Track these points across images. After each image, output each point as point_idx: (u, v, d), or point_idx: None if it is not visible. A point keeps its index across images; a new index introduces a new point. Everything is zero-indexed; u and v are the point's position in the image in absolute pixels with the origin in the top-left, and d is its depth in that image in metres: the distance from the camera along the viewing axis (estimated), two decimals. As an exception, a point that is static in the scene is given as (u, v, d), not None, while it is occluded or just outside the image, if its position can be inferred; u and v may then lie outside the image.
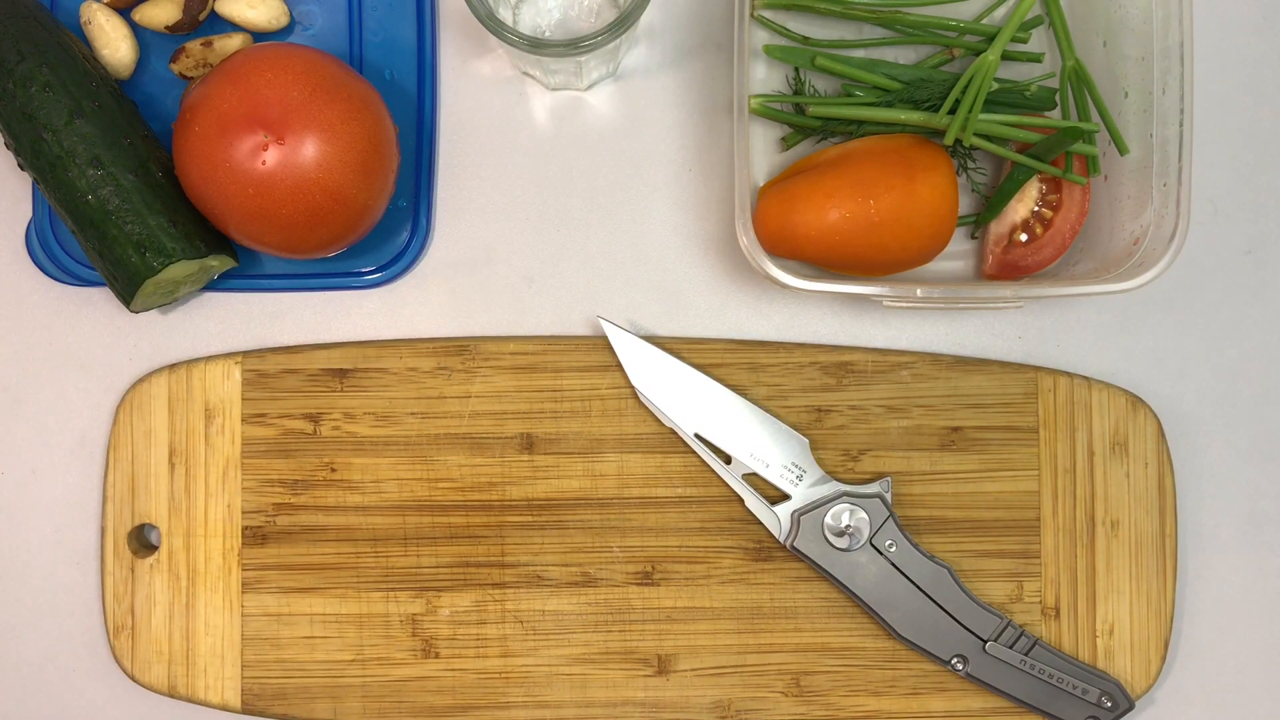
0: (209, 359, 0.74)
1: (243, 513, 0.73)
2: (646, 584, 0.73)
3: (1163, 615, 0.73)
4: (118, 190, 0.69)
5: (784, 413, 0.73)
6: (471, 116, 0.76)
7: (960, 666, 0.71)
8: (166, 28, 0.73)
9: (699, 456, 0.73)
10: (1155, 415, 0.73)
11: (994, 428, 0.73)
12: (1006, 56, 0.73)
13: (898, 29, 0.74)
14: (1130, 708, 0.71)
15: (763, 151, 0.75)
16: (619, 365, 0.73)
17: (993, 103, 0.71)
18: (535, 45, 0.67)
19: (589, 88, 0.75)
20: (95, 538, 0.75)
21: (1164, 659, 0.73)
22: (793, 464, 0.72)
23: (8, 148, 0.71)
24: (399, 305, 0.75)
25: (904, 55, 0.75)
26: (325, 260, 0.74)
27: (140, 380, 0.74)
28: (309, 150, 0.66)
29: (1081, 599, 0.73)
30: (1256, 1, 0.77)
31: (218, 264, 0.72)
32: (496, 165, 0.76)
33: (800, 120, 0.73)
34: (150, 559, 0.73)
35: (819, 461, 0.73)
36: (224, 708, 0.73)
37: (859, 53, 0.74)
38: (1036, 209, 0.73)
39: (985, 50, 0.70)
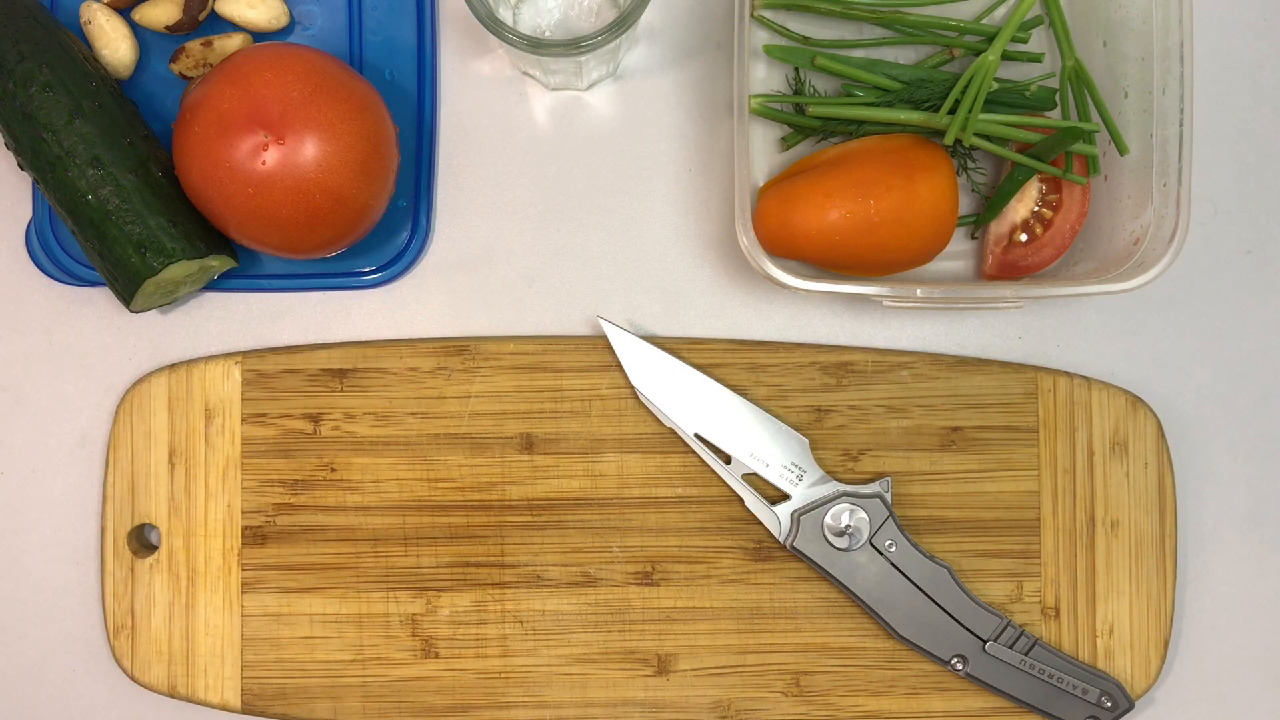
0: (209, 359, 0.74)
1: (243, 513, 0.73)
2: (646, 584, 0.73)
3: (1163, 615, 0.73)
4: (118, 190, 0.69)
5: (784, 413, 0.73)
6: (471, 116, 0.76)
7: (960, 666, 0.71)
8: (166, 28, 0.73)
9: (699, 456, 0.73)
10: (1155, 415, 0.73)
11: (994, 428, 0.73)
12: (1006, 56, 0.73)
13: (898, 29, 0.74)
14: (1130, 708, 0.71)
15: (763, 151, 0.75)
16: (619, 365, 0.73)
17: (993, 103, 0.71)
18: (535, 45, 0.67)
19: (589, 88, 0.75)
20: (95, 538, 0.75)
21: (1164, 659, 0.73)
22: (793, 464, 0.72)
23: (8, 148, 0.71)
24: (399, 305, 0.75)
25: (904, 55, 0.75)
26: (325, 260, 0.74)
27: (140, 380, 0.74)
28: (309, 150, 0.66)
29: (1081, 599, 0.73)
30: (1256, 1, 0.77)
31: (218, 264, 0.72)
32: (496, 165, 0.76)
33: (800, 120, 0.73)
34: (150, 559, 0.73)
35: (819, 461, 0.73)
36: (224, 708, 0.73)
37: (859, 53, 0.74)
38: (1036, 209, 0.73)
39: (985, 50, 0.70)
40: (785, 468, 0.72)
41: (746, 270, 0.75)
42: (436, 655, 0.73)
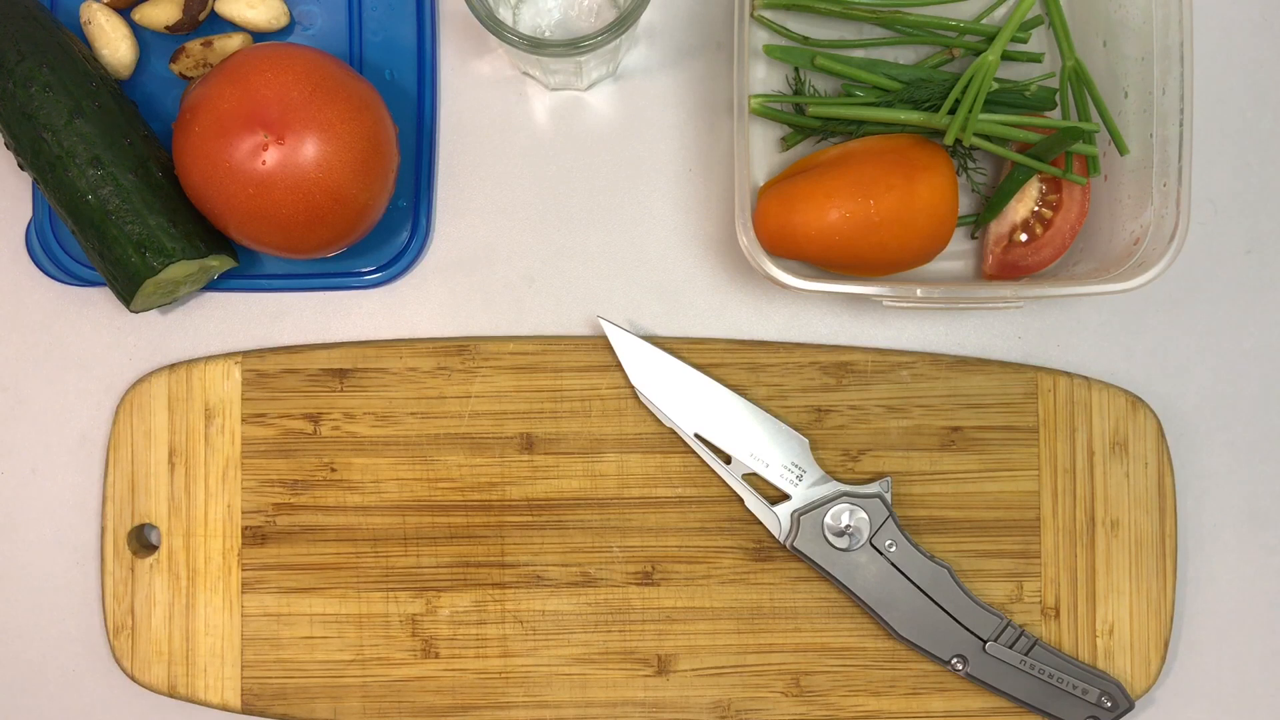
0: (209, 359, 0.74)
1: (243, 513, 0.73)
2: (646, 584, 0.73)
3: (1163, 615, 0.73)
4: (118, 190, 0.69)
5: (784, 413, 0.73)
6: (471, 116, 0.76)
7: (960, 666, 0.71)
8: (166, 28, 0.73)
9: (699, 456, 0.73)
10: (1155, 415, 0.73)
11: (994, 428, 0.73)
12: (1006, 56, 0.73)
13: (898, 29, 0.74)
14: (1130, 708, 0.71)
15: (763, 151, 0.75)
16: (619, 365, 0.73)
17: (993, 103, 0.71)
18: (535, 45, 0.67)
19: (589, 88, 0.75)
20: (95, 538, 0.75)
21: (1164, 659, 0.73)
22: (793, 464, 0.72)
23: (8, 148, 0.71)
24: (399, 305, 0.75)
25: (904, 55, 0.75)
26: (325, 260, 0.74)
27: (140, 380, 0.74)
28: (309, 150, 0.66)
29: (1081, 599, 0.73)
30: (1256, 1, 0.77)
31: (218, 264, 0.72)
32: (496, 165, 0.76)
33: (800, 120, 0.73)
34: (150, 559, 0.73)
35: (819, 461, 0.73)
36: (224, 708, 0.73)
37: (859, 53, 0.74)
38: (1036, 209, 0.73)
39: (985, 50, 0.70)
40: (785, 468, 0.72)
41: (746, 270, 0.75)
42: (436, 655, 0.73)
